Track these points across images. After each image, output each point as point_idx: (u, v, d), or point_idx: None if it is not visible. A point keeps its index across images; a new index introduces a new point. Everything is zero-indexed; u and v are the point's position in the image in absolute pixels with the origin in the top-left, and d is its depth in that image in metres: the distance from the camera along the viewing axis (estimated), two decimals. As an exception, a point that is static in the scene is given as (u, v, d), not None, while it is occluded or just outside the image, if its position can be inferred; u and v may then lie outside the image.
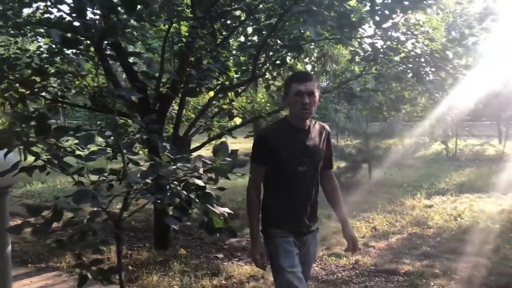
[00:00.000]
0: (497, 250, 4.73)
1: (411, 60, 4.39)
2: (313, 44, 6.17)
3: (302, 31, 3.99)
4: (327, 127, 2.57)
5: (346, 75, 6.20)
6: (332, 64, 7.61)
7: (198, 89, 3.64)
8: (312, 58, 7.44)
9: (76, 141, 1.87)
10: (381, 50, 4.35)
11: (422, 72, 4.43)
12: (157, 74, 4.26)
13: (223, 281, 4.13)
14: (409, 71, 4.67)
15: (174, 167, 1.82)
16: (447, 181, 9.17)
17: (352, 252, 2.64)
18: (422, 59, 4.49)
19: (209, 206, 1.75)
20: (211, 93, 4.97)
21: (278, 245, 2.42)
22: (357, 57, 4.59)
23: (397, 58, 4.63)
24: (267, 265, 2.46)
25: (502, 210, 6.41)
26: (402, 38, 4.58)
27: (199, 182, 1.91)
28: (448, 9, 5.30)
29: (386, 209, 6.81)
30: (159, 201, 1.73)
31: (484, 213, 6.27)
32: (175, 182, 1.82)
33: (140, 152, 3.90)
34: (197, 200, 1.75)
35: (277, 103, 6.64)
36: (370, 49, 4.38)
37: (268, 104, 7.07)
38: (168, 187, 1.77)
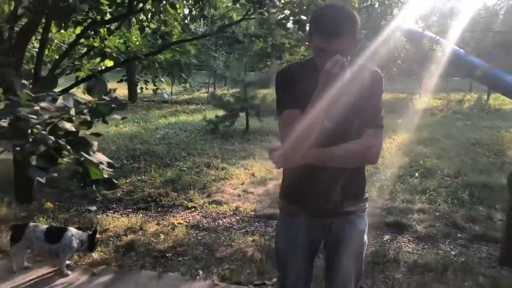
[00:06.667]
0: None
1: (296, 5, 4.35)
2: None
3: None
4: (376, 73, 1.76)
5: (224, 21, 6.01)
6: (211, 8, 7.35)
7: (66, 14, 3.11)
8: (190, 1, 7.08)
9: None
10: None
11: (304, 19, 4.42)
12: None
13: (97, 235, 3.83)
14: (290, 18, 4.64)
15: (36, 107, 1.48)
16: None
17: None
18: (304, 7, 4.47)
19: (84, 154, 1.48)
20: (79, 30, 4.40)
21: (279, 225, 1.93)
22: (241, -1, 4.42)
23: (280, 4, 4.56)
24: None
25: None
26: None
27: (70, 127, 1.61)
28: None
29: (263, 156, 6.96)
30: (18, 149, 1.39)
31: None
32: (38, 126, 1.49)
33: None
34: (68, 147, 1.45)
35: (152, 46, 6.16)
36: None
37: (143, 46, 6.57)
38: (30, 131, 1.44)
